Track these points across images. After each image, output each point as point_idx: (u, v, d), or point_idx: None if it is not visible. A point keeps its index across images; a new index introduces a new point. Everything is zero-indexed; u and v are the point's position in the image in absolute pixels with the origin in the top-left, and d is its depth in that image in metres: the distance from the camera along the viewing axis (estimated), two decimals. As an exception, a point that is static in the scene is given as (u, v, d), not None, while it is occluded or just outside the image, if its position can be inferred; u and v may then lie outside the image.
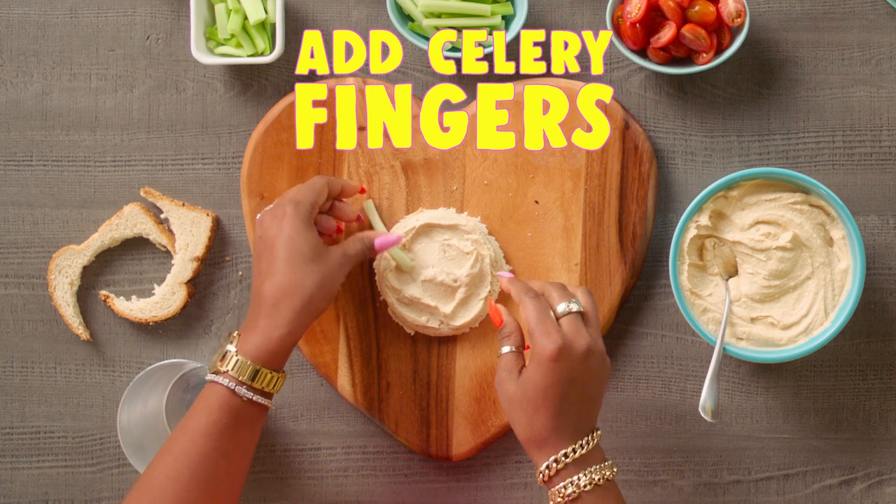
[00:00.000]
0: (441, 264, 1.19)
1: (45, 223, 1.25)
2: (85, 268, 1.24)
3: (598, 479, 0.98)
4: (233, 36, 1.21)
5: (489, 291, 1.19)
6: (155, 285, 1.24)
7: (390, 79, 1.24)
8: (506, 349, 1.04)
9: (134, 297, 1.24)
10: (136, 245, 1.25)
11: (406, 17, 1.21)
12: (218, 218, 1.24)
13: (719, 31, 1.18)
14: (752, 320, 1.17)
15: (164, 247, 1.24)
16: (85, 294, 1.25)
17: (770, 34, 1.23)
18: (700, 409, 1.12)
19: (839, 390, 1.22)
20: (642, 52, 1.19)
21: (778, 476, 1.22)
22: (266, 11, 1.21)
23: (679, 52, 1.18)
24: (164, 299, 1.23)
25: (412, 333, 1.21)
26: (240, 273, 1.24)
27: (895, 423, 1.22)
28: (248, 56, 1.21)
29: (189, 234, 1.23)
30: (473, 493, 1.23)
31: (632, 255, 1.20)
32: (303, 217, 1.07)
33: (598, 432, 1.01)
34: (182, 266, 1.23)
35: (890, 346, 1.22)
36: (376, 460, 1.24)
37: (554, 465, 0.98)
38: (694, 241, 1.17)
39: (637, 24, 1.17)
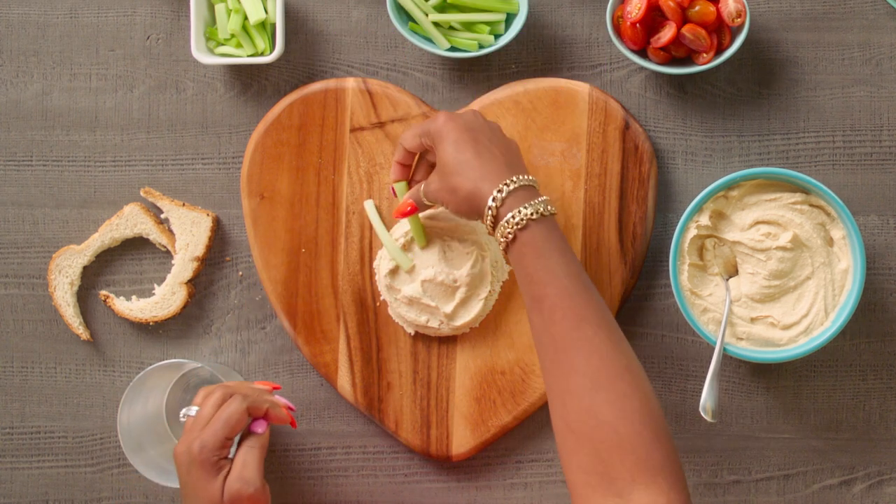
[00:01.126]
0: (441, 264, 1.19)
1: (45, 223, 1.25)
2: (85, 268, 1.24)
3: (542, 210, 1.02)
4: (233, 36, 1.21)
5: (489, 291, 1.19)
6: (155, 285, 1.24)
7: (391, 79, 1.24)
8: (421, 189, 1.11)
9: (134, 297, 1.24)
10: (136, 245, 1.25)
11: (406, 17, 1.21)
12: (218, 218, 1.24)
13: (719, 31, 1.18)
14: (752, 320, 1.17)
15: (164, 247, 1.24)
16: (85, 294, 1.25)
17: (770, 34, 1.23)
18: (700, 409, 1.12)
19: (839, 390, 1.22)
20: (642, 52, 1.19)
21: (778, 476, 1.22)
22: (266, 11, 1.21)
23: (679, 52, 1.18)
24: (164, 299, 1.23)
25: (412, 333, 1.21)
26: (240, 273, 1.24)
27: (895, 423, 1.22)
28: (248, 56, 1.21)
29: (189, 234, 1.23)
30: (473, 493, 1.23)
31: (632, 255, 1.20)
32: (208, 465, 1.01)
33: (533, 178, 1.05)
34: (182, 266, 1.23)
35: (890, 346, 1.22)
36: (376, 460, 1.24)
37: (498, 195, 1.02)
38: (694, 241, 1.17)
39: (637, 24, 1.17)
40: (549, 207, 1.03)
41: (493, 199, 1.03)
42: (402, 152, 1.13)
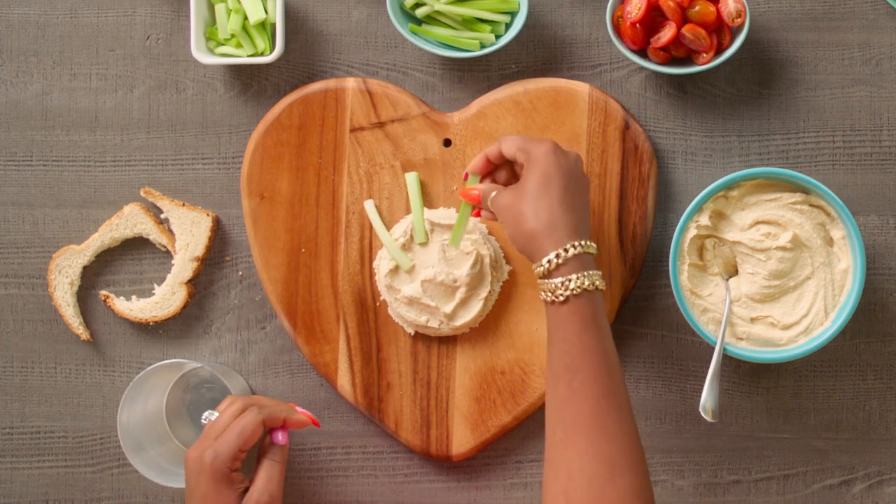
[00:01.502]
0: (441, 264, 1.19)
1: (45, 223, 1.25)
2: (85, 268, 1.24)
3: (596, 284, 1.01)
4: (233, 36, 1.21)
5: (489, 291, 1.19)
6: (155, 285, 1.24)
7: (391, 79, 1.24)
8: (493, 194, 1.08)
9: (134, 297, 1.24)
10: (136, 245, 1.25)
11: (406, 17, 1.21)
12: (218, 218, 1.24)
13: (719, 31, 1.18)
14: (752, 320, 1.17)
15: (164, 247, 1.24)
16: (85, 294, 1.25)
17: (770, 34, 1.23)
18: (700, 409, 1.12)
19: (839, 390, 1.22)
20: (642, 52, 1.19)
21: (778, 476, 1.22)
22: (266, 11, 1.21)
23: (679, 52, 1.18)
24: (164, 299, 1.23)
25: (412, 333, 1.21)
26: (240, 273, 1.24)
27: (895, 423, 1.22)
28: (248, 56, 1.21)
29: (189, 234, 1.23)
30: (473, 493, 1.23)
31: (632, 255, 1.20)
32: (218, 475, 1.02)
33: (593, 242, 1.04)
34: (182, 266, 1.23)
35: (890, 346, 1.22)
36: (376, 460, 1.24)
37: (563, 252, 1.01)
38: (694, 241, 1.17)
39: (637, 24, 1.17)
40: (598, 282, 1.02)
41: (557, 256, 1.01)
42: (496, 152, 1.10)
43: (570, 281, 1.00)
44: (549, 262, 1.01)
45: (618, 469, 0.95)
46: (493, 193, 1.08)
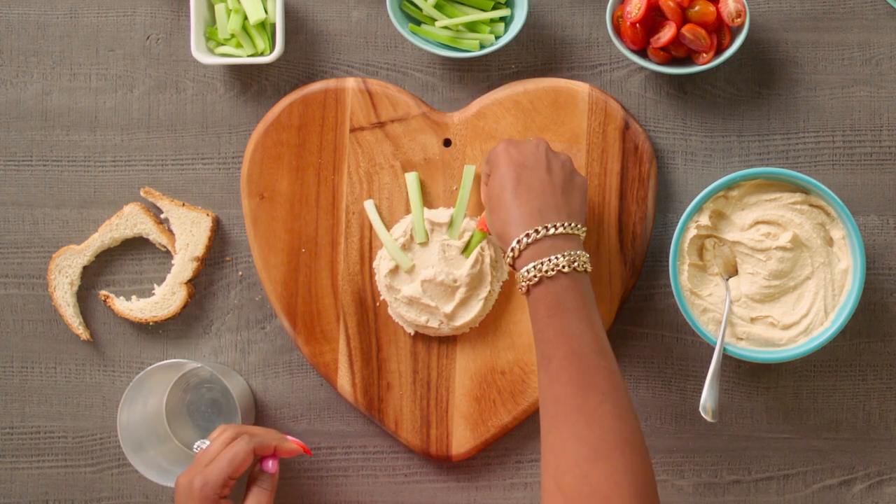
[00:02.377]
0: (441, 264, 1.19)
1: (45, 223, 1.25)
2: (85, 268, 1.24)
3: (563, 266, 0.99)
4: (233, 36, 1.21)
5: (489, 291, 1.19)
6: (155, 285, 1.24)
7: (391, 79, 1.24)
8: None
9: (134, 297, 1.24)
10: (136, 245, 1.25)
11: (406, 17, 1.21)
12: (218, 218, 1.24)
13: (719, 31, 1.18)
14: (752, 320, 1.17)
15: (164, 247, 1.24)
16: (85, 294, 1.25)
17: (770, 34, 1.23)
18: (700, 409, 1.12)
19: (839, 390, 1.22)
20: (642, 52, 1.19)
21: (778, 476, 1.22)
22: (266, 11, 1.21)
23: (679, 52, 1.18)
24: (164, 299, 1.23)
25: (412, 333, 1.21)
26: (240, 273, 1.24)
27: (895, 423, 1.22)
28: (248, 56, 1.21)
29: (189, 234, 1.23)
30: (473, 493, 1.23)
31: (632, 255, 1.20)
32: (207, 502, 1.02)
33: (584, 228, 1.03)
34: (182, 266, 1.23)
35: (890, 346, 1.22)
36: (376, 460, 1.24)
37: (516, 246, 1.00)
38: (694, 241, 1.17)
39: (637, 24, 1.17)
40: (574, 264, 0.99)
41: (511, 250, 1.01)
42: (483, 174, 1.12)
43: (527, 271, 1.00)
44: (510, 254, 1.01)
45: (602, 452, 0.93)
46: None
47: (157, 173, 1.25)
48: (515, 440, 1.23)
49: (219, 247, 1.25)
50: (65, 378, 1.25)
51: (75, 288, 1.24)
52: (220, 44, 1.22)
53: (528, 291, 1.00)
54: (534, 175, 1.04)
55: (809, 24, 1.23)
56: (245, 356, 1.24)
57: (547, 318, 0.99)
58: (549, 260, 0.99)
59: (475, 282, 1.18)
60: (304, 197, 1.21)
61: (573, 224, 1.02)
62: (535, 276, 0.99)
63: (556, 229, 1.00)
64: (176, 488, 1.04)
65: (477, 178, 1.19)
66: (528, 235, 1.00)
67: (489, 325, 1.21)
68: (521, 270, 1.00)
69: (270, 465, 1.07)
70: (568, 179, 1.06)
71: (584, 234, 1.04)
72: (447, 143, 1.21)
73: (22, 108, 1.25)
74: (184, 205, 1.23)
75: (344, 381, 1.21)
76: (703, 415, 1.12)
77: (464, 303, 1.19)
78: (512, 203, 1.02)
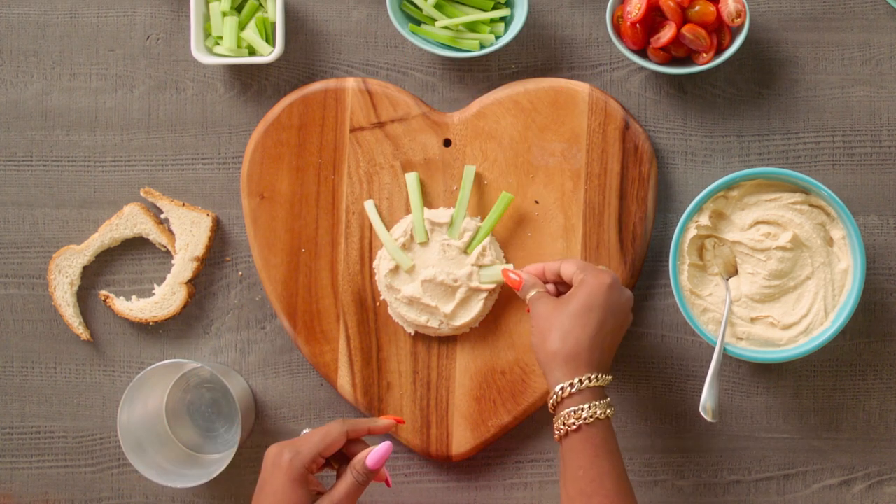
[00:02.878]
0: (441, 264, 1.19)
1: (45, 223, 1.25)
2: (85, 268, 1.24)
3: (604, 414, 1.04)
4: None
5: (489, 291, 1.19)
6: (155, 285, 1.24)
7: (391, 79, 1.24)
8: (535, 292, 1.11)
9: (134, 297, 1.24)
10: (136, 245, 1.25)
11: (406, 18, 1.21)
12: (218, 218, 1.24)
13: (719, 31, 1.18)
14: (752, 320, 1.17)
15: (164, 247, 1.24)
16: (85, 294, 1.25)
17: (770, 34, 1.23)
18: (700, 409, 1.12)
19: (839, 390, 1.22)
20: (642, 52, 1.19)
21: (778, 476, 1.22)
22: (266, 11, 1.21)
23: (679, 52, 1.18)
24: (164, 299, 1.23)
25: (412, 333, 1.21)
26: (240, 273, 1.24)
27: (895, 423, 1.22)
28: (248, 56, 1.21)
29: (189, 234, 1.23)
30: (473, 493, 1.23)
31: (632, 255, 1.20)
32: (295, 474, 1.03)
33: (609, 375, 1.06)
34: (182, 266, 1.23)
35: (890, 346, 1.22)
36: (376, 460, 1.23)
37: (577, 383, 1.04)
38: (694, 241, 1.17)
39: (637, 24, 1.17)
40: (608, 411, 1.04)
41: (570, 385, 1.04)
42: (555, 271, 1.12)
43: (581, 410, 1.03)
44: (561, 389, 1.04)
45: None
46: (534, 292, 1.11)
47: (157, 173, 1.25)
48: (515, 440, 1.23)
49: (219, 247, 1.25)
50: (65, 378, 1.25)
51: (75, 288, 1.24)
52: (219, 43, 1.22)
53: (578, 429, 1.04)
54: (614, 330, 1.08)
55: (809, 24, 1.23)
56: (245, 356, 1.24)
57: (592, 459, 1.03)
58: (594, 406, 1.04)
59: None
60: (304, 197, 1.21)
61: (606, 376, 1.06)
62: (589, 418, 1.03)
63: (597, 381, 1.05)
64: (266, 456, 1.05)
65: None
66: (589, 379, 1.04)
67: (489, 325, 1.21)
68: (573, 408, 1.04)
69: (373, 460, 1.05)
70: (615, 329, 1.09)
71: (607, 384, 1.07)
72: (447, 143, 1.21)
73: (22, 108, 1.25)
74: (184, 205, 1.23)
75: (344, 381, 1.21)
76: (703, 415, 1.12)
77: (464, 303, 1.19)
78: (586, 343, 1.05)
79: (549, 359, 1.05)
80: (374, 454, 1.05)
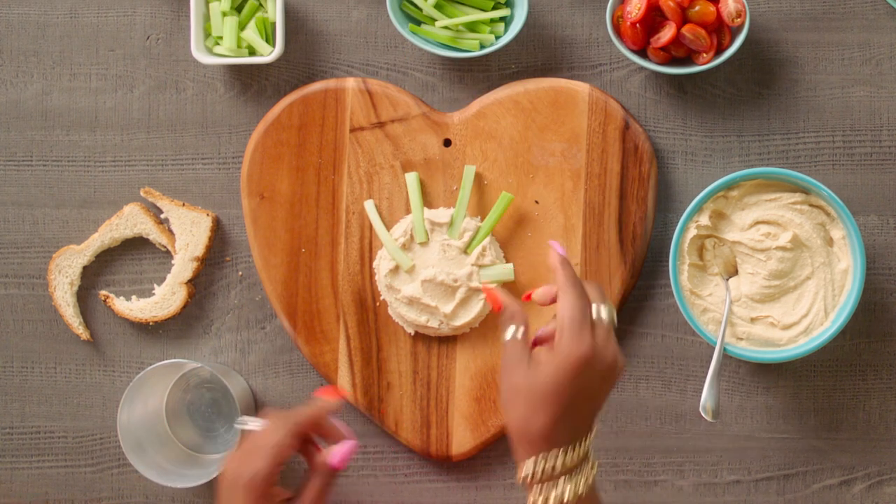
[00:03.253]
0: (441, 264, 1.19)
1: (45, 223, 1.25)
2: (85, 268, 1.24)
3: (581, 491, 0.94)
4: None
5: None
6: (155, 285, 1.24)
7: (391, 79, 1.24)
8: (509, 334, 0.96)
9: (134, 297, 1.24)
10: (136, 245, 1.25)
11: (406, 17, 1.21)
12: (218, 218, 1.24)
13: (719, 31, 1.18)
14: (752, 320, 1.17)
15: (164, 247, 1.24)
16: (85, 294, 1.25)
17: (770, 34, 1.23)
18: (700, 409, 1.12)
19: (839, 390, 1.22)
20: (642, 52, 1.19)
21: (778, 476, 1.22)
22: (266, 11, 1.21)
23: (679, 52, 1.18)
24: (164, 299, 1.23)
25: (412, 333, 1.21)
26: (240, 273, 1.24)
27: (895, 423, 1.22)
28: (248, 56, 1.21)
29: (189, 234, 1.23)
30: (473, 493, 1.23)
31: (632, 255, 1.20)
32: (258, 493, 0.98)
33: (593, 432, 0.96)
34: (182, 266, 1.23)
35: (890, 346, 1.22)
36: (376, 460, 1.24)
37: (539, 472, 0.93)
38: (694, 241, 1.17)
39: (637, 24, 1.17)
40: (587, 480, 0.94)
41: (533, 473, 0.93)
42: (551, 295, 0.99)
43: (549, 494, 0.93)
44: (527, 475, 0.94)
45: None
46: (510, 330, 0.97)
47: (157, 173, 1.25)
48: (515, 440, 1.23)
49: (219, 247, 1.25)
50: (65, 378, 1.25)
51: (75, 288, 1.24)
52: (219, 43, 1.22)
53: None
54: (591, 394, 0.96)
55: (809, 24, 1.23)
56: (245, 356, 1.24)
57: None
58: (565, 482, 0.93)
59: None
60: (304, 197, 1.21)
61: (584, 442, 0.95)
62: (558, 497, 0.93)
63: (571, 455, 0.94)
64: (222, 477, 1.00)
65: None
66: (545, 458, 0.93)
67: (489, 325, 1.21)
68: (539, 490, 0.94)
69: (336, 459, 1.02)
70: (608, 391, 0.97)
71: (590, 449, 0.96)
72: (447, 143, 1.21)
73: (22, 108, 1.25)
74: (184, 205, 1.23)
75: (344, 381, 1.21)
76: (703, 415, 1.12)
77: (464, 303, 1.19)
78: (546, 425, 0.93)
79: (514, 435, 0.95)
80: (335, 454, 1.02)
